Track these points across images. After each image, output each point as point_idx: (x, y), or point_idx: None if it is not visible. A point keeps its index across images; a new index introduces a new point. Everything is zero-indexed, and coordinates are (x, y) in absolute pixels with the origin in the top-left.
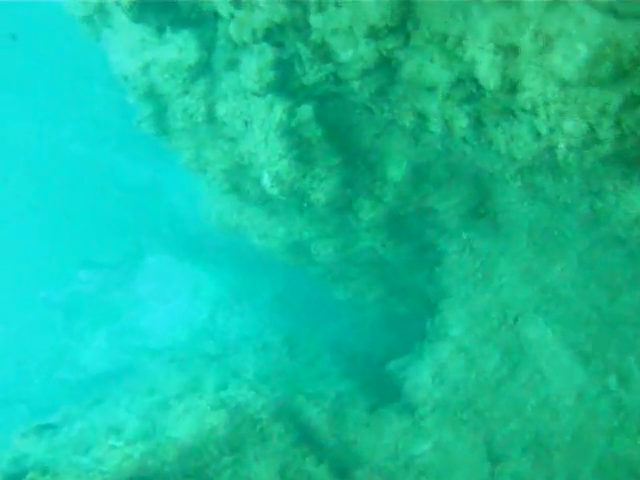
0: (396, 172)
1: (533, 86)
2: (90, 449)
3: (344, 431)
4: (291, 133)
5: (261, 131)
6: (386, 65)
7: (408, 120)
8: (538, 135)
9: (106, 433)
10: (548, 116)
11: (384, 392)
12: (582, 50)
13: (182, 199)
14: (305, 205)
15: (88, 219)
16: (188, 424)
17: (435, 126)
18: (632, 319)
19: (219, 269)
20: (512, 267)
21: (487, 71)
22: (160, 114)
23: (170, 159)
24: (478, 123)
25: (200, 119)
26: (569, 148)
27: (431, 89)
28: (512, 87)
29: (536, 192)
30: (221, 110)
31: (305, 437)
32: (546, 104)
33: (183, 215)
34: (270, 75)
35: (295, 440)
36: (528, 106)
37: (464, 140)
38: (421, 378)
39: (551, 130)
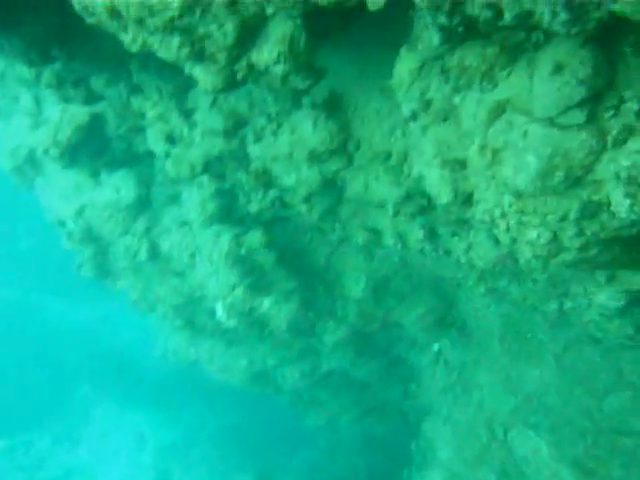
0: (355, 289)
1: (487, 197)
2: None
3: None
4: (242, 261)
5: (210, 262)
6: (332, 185)
7: (361, 237)
8: (497, 242)
9: None
10: (508, 227)
11: None
12: (532, 161)
13: (130, 340)
14: (265, 333)
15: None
16: None
17: (389, 240)
18: (627, 426)
19: (174, 412)
20: (490, 376)
21: (437, 186)
22: (100, 256)
23: (114, 300)
24: (433, 235)
25: (144, 257)
26: (535, 257)
27: (380, 205)
28: (465, 199)
29: (501, 296)
30: (165, 245)
31: None
32: (504, 215)
33: (132, 357)
34: (212, 206)
35: None
36: (486, 218)
37: (421, 252)
38: None
39: (513, 240)
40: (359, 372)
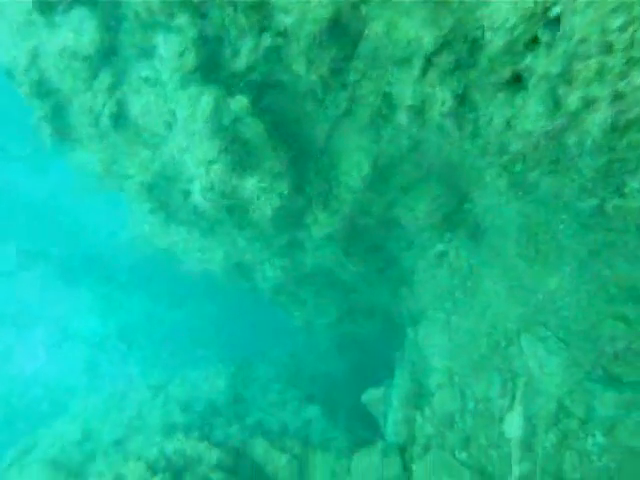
0: (355, 175)
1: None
2: None
3: None
4: (224, 131)
5: (186, 132)
6: (344, 29)
7: (370, 108)
8: (555, 108)
9: None
10: (587, 80)
11: (358, 422)
12: None
13: (94, 219)
14: (246, 222)
15: None
16: None
17: (404, 113)
18: None
19: (145, 300)
20: (500, 282)
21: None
22: (58, 115)
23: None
24: (465, 102)
25: (108, 121)
26: (605, 131)
27: (404, 61)
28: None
29: (527, 192)
30: (134, 108)
31: None
32: (595, 55)
33: (96, 239)
34: (192, 57)
35: None
36: (558, 65)
37: (441, 130)
38: (406, 410)
39: (586, 103)
40: (346, 272)
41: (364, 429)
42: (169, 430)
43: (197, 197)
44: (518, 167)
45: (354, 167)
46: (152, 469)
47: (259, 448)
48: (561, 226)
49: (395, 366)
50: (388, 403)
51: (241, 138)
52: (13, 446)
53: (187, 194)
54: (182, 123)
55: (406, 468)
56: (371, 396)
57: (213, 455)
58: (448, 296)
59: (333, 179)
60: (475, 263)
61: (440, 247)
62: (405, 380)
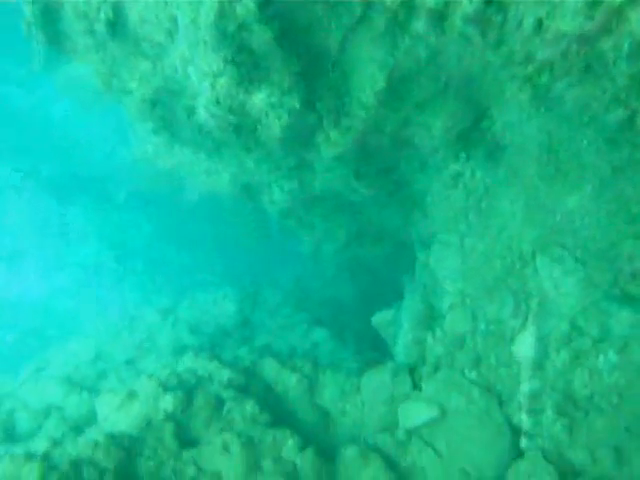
0: (369, 91)
1: None
2: (22, 439)
3: (330, 401)
4: (229, 39)
5: (189, 41)
6: None
7: (386, 14)
8: (593, 6)
9: (39, 416)
10: None
11: (366, 345)
12: None
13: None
14: (252, 142)
15: None
16: (135, 412)
17: (424, 19)
18: None
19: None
20: (517, 202)
21: None
22: (50, 20)
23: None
24: (491, 3)
25: (104, 28)
26: None
27: None
28: None
29: (551, 106)
30: (132, 14)
31: (282, 415)
32: None
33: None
34: None
35: (270, 421)
36: None
37: (462, 37)
38: (416, 331)
39: None
40: (355, 195)
41: (372, 351)
42: (179, 351)
43: (202, 114)
44: (544, 78)
45: (368, 81)
46: (164, 387)
47: (269, 368)
48: (585, 142)
49: (405, 289)
50: (398, 325)
51: (248, 47)
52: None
53: (191, 111)
54: (184, 31)
55: (416, 386)
56: (381, 318)
57: (224, 374)
58: (462, 218)
59: (345, 94)
60: (491, 184)
61: (455, 167)
62: (416, 302)
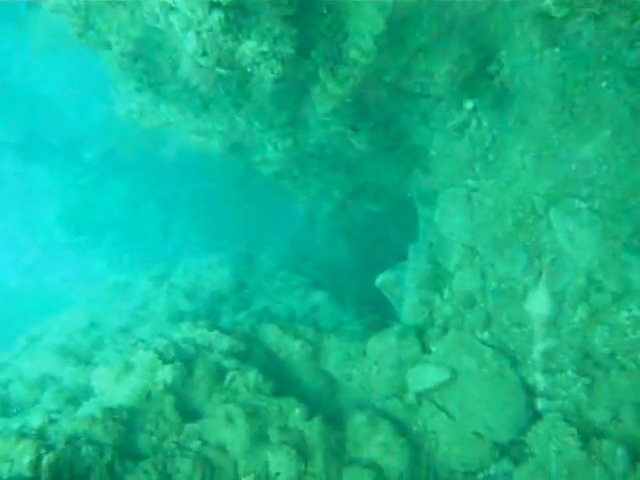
0: (368, 36)
1: None
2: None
3: (335, 367)
4: None
5: None
6: None
7: None
8: None
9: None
10: None
11: (367, 307)
12: None
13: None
14: (243, 98)
15: None
16: (133, 384)
17: None
18: None
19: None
20: (528, 152)
21: None
22: None
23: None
24: None
25: None
26: None
27: None
28: None
29: (565, 46)
30: None
31: (287, 382)
32: None
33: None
34: None
35: (274, 390)
36: None
37: None
38: (423, 292)
39: None
40: (352, 151)
41: (373, 313)
42: (176, 319)
43: (187, 67)
44: (563, 11)
45: (366, 24)
46: (162, 357)
47: (271, 334)
48: (603, 84)
49: (408, 248)
50: (403, 286)
51: None
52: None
53: (176, 64)
54: None
55: (424, 349)
56: (385, 279)
57: (224, 342)
58: (468, 171)
59: (342, 40)
60: (499, 133)
61: (460, 117)
62: (421, 262)
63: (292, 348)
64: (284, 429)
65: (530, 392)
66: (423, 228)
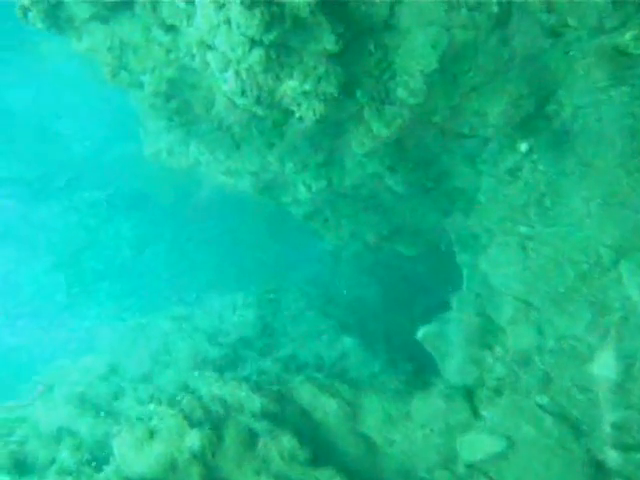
0: (419, 72)
1: None
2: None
3: (375, 429)
4: (260, 14)
5: (209, 22)
6: None
7: None
8: None
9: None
10: None
11: (400, 353)
12: None
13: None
14: (277, 137)
15: None
16: (157, 451)
17: None
18: None
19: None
20: (592, 200)
21: None
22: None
23: None
24: None
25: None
26: None
27: None
28: None
29: (635, 83)
30: None
31: (322, 445)
32: None
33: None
34: None
35: (310, 457)
36: None
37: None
38: (472, 349)
39: None
40: (387, 192)
41: (406, 361)
42: (199, 365)
43: (221, 107)
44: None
45: (417, 62)
46: (188, 419)
47: (305, 393)
48: None
49: (451, 298)
50: (447, 340)
51: (279, 21)
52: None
53: (209, 105)
54: (203, 10)
55: (475, 413)
56: (428, 332)
57: (256, 402)
58: (521, 218)
59: (389, 79)
60: (558, 177)
61: (513, 160)
62: (468, 314)
63: (329, 407)
64: None
65: (601, 470)
66: (468, 276)
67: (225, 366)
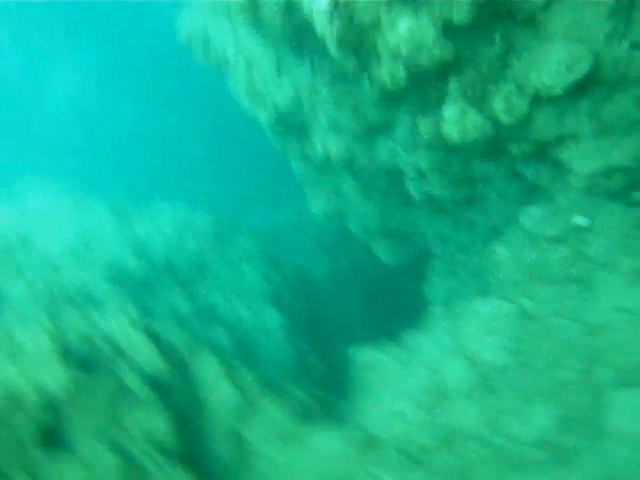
0: (548, 82)
1: None
2: None
3: (264, 442)
4: None
5: None
6: None
7: None
8: None
9: None
10: None
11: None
12: None
13: None
14: None
15: None
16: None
17: None
18: None
19: None
20: None
21: None
22: None
23: None
24: None
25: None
26: None
27: None
28: None
29: None
30: None
31: (197, 442)
32: None
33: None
34: None
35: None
36: None
37: None
38: None
39: None
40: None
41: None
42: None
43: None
44: None
45: (539, 78)
46: (60, 352)
47: (210, 372)
48: None
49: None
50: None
51: None
52: None
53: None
54: None
55: None
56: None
57: (155, 361)
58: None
59: (494, 82)
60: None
61: (560, 228)
62: None
63: (227, 399)
64: None
65: None
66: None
67: (141, 283)
